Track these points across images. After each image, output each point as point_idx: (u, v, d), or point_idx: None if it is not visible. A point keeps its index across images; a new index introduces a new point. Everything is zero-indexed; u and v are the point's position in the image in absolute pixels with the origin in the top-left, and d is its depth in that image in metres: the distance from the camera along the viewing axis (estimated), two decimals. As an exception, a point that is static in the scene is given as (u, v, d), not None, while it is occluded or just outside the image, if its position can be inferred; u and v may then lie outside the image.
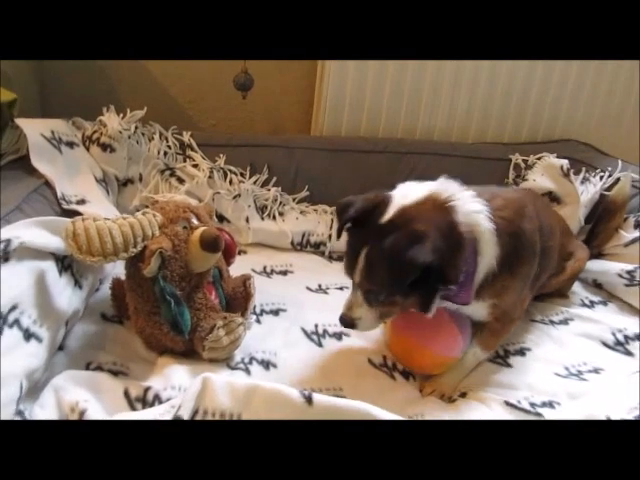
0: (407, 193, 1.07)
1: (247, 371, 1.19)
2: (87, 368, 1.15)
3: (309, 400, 0.92)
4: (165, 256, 1.12)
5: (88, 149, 1.64)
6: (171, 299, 1.11)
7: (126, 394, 1.06)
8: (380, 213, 1.04)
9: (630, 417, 1.05)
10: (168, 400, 1.03)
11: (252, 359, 1.23)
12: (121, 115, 1.71)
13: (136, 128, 1.73)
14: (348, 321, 1.11)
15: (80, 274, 1.25)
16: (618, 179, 1.86)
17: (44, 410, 0.97)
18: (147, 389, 1.07)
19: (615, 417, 1.05)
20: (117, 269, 1.44)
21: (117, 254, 1.09)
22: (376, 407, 0.91)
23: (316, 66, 2.07)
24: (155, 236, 1.14)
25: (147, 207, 1.28)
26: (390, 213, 1.03)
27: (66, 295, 1.17)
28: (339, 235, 1.12)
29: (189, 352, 1.21)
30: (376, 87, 2.07)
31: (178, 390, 1.08)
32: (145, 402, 1.05)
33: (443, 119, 2.19)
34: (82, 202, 1.45)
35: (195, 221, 1.22)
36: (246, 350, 1.25)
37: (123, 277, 1.30)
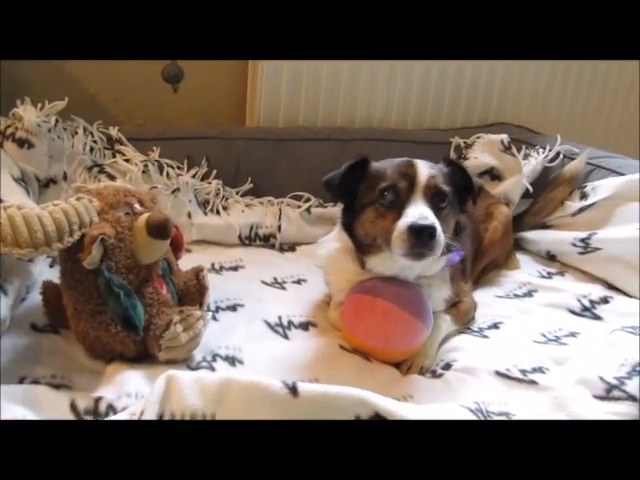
0: None
1: (212, 369, 1.06)
2: (21, 383, 0.97)
3: (293, 391, 0.80)
4: (108, 244, 0.97)
5: (2, 145, 1.44)
6: (120, 291, 0.96)
7: (73, 407, 0.90)
8: None
9: (622, 373, 1.00)
10: (125, 410, 0.88)
11: (215, 356, 1.10)
12: (39, 106, 1.52)
13: (57, 121, 1.55)
14: None
15: (4, 278, 1.07)
16: (559, 153, 1.89)
17: (-28, 433, 0.79)
18: (98, 399, 0.92)
19: (607, 376, 1.00)
20: (47, 274, 1.27)
21: (50, 244, 0.94)
22: (368, 392, 0.81)
23: (247, 58, 1.97)
24: (94, 223, 1.00)
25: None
26: None
27: (-11, 301, 0.99)
28: None
29: (141, 356, 1.06)
30: (313, 77, 2.00)
31: (135, 398, 0.94)
32: (97, 414, 0.90)
33: (381, 109, 2.15)
34: (-1, 202, 1.27)
35: (138, 206, 1.08)
36: (207, 348, 1.11)
37: (55, 280, 1.14)
